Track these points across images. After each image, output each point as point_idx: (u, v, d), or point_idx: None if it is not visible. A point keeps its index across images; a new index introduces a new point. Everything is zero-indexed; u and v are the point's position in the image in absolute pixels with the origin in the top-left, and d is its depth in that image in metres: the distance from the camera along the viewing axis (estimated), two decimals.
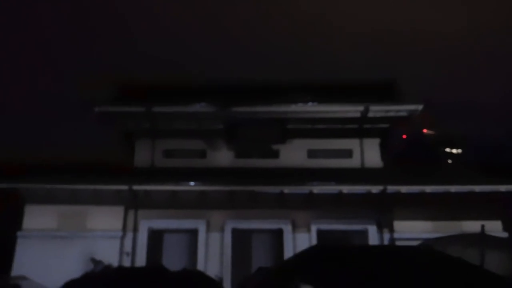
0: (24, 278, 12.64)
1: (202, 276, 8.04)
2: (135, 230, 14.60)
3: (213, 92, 16.98)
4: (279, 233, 14.57)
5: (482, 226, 7.97)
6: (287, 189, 14.27)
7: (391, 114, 16.19)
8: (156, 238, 14.86)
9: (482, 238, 7.79)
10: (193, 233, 14.66)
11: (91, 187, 14.37)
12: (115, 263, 13.56)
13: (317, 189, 14.22)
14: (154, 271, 7.30)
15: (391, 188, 14.12)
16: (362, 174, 15.50)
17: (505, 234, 13.18)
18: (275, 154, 16.40)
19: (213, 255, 14.34)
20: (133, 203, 14.66)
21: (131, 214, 14.71)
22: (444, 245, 8.34)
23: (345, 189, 14.18)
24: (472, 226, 13.24)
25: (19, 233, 14.36)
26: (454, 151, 27.88)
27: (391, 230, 14.22)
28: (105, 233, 14.33)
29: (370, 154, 16.21)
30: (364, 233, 14.41)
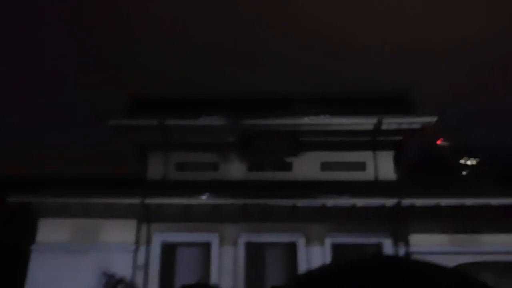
0: None
1: None
2: (148, 243, 14.56)
3: (226, 105, 16.98)
4: (292, 247, 14.43)
5: None
6: (300, 202, 14.14)
7: (405, 126, 16.02)
8: (169, 251, 14.80)
9: None
10: (206, 246, 14.58)
11: (104, 200, 14.39)
12: (128, 276, 13.54)
13: (330, 202, 14.08)
14: None
15: (405, 201, 13.94)
16: (376, 187, 15.33)
17: None
18: (288, 167, 16.30)
19: (226, 269, 14.22)
20: (146, 217, 14.65)
21: (144, 227, 14.68)
22: (476, 271, 8.07)
23: (359, 202, 14.02)
24: (489, 239, 13.06)
25: (32, 247, 14.40)
26: (469, 162, 27.52)
27: (407, 244, 14.00)
28: (118, 246, 14.30)
29: (384, 166, 16.05)
30: (379, 247, 14.22)
